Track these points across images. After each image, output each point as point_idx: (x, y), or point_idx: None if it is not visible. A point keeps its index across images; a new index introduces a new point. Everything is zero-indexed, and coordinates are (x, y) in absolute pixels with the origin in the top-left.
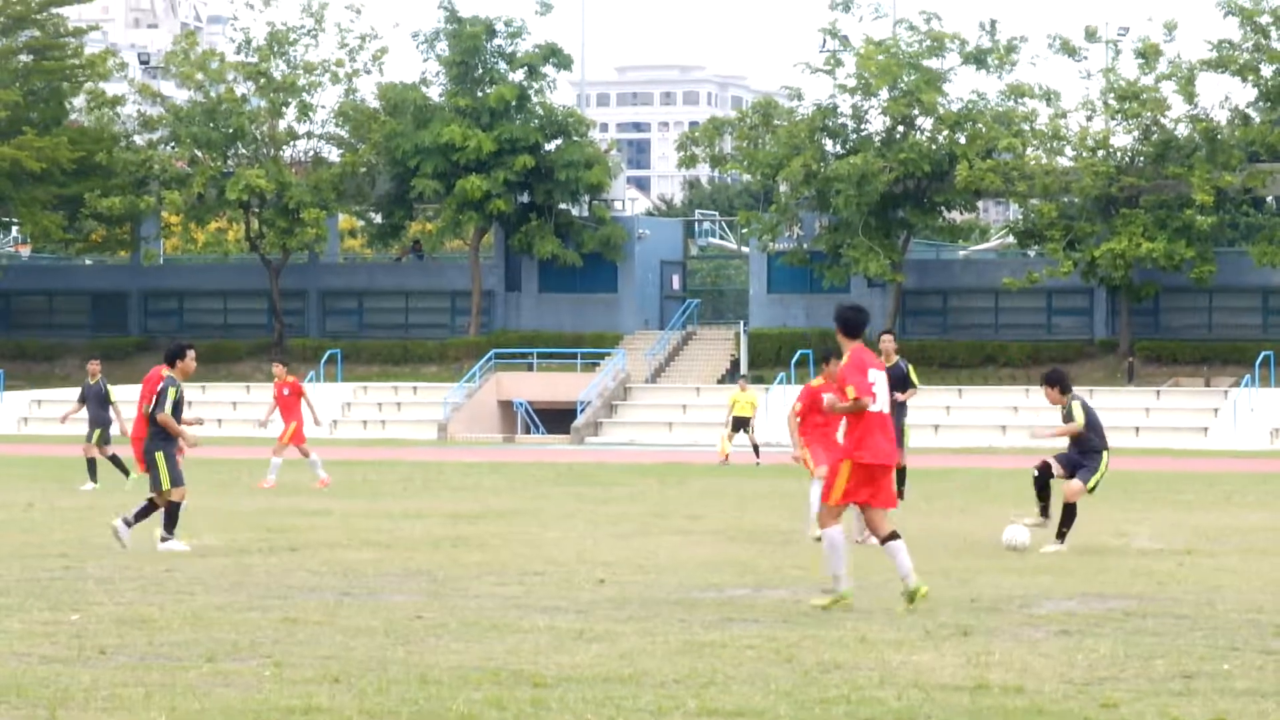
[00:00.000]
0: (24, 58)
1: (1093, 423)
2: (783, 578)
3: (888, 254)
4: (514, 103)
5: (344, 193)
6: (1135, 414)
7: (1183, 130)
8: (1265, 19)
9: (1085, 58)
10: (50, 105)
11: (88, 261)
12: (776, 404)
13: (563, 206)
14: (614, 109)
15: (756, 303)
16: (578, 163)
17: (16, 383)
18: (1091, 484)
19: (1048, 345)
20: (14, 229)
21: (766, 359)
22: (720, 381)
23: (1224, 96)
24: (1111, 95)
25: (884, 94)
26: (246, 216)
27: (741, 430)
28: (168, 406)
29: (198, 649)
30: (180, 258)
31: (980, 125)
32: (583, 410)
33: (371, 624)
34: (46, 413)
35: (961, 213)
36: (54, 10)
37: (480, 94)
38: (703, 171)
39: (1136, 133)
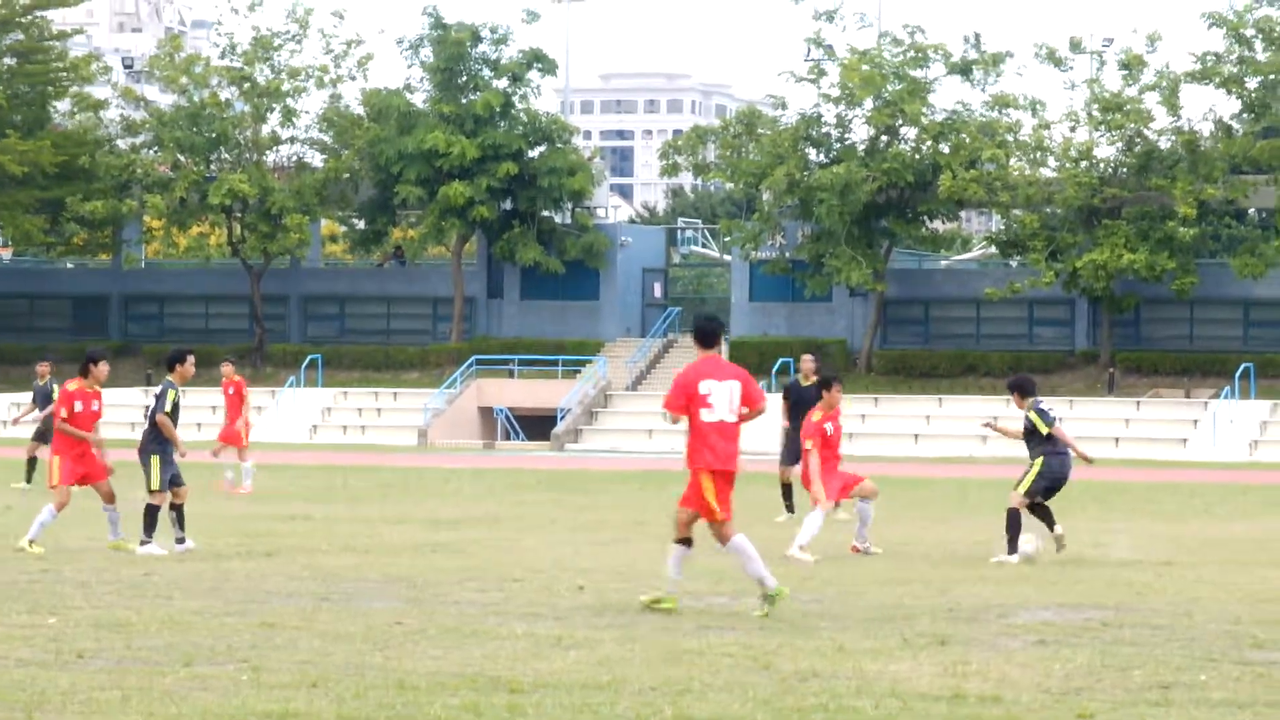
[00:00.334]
0: (8, 61)
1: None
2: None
3: (870, 263)
4: (498, 109)
5: (327, 198)
6: (1115, 425)
7: (1166, 142)
8: (1250, 31)
9: (1070, 68)
10: (34, 109)
11: (69, 265)
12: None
13: (545, 213)
14: (598, 116)
15: (738, 311)
16: (561, 170)
17: None
18: (1020, 487)
19: (1029, 355)
20: None
21: (748, 367)
22: None
23: (1208, 108)
24: (1095, 106)
25: (868, 104)
26: (229, 221)
27: None
28: (167, 407)
29: (175, 653)
30: (162, 262)
31: (964, 135)
32: (563, 417)
33: (350, 629)
34: (28, 417)
35: (944, 222)
36: (39, 14)
37: (465, 100)
38: (686, 180)
39: (1120, 144)
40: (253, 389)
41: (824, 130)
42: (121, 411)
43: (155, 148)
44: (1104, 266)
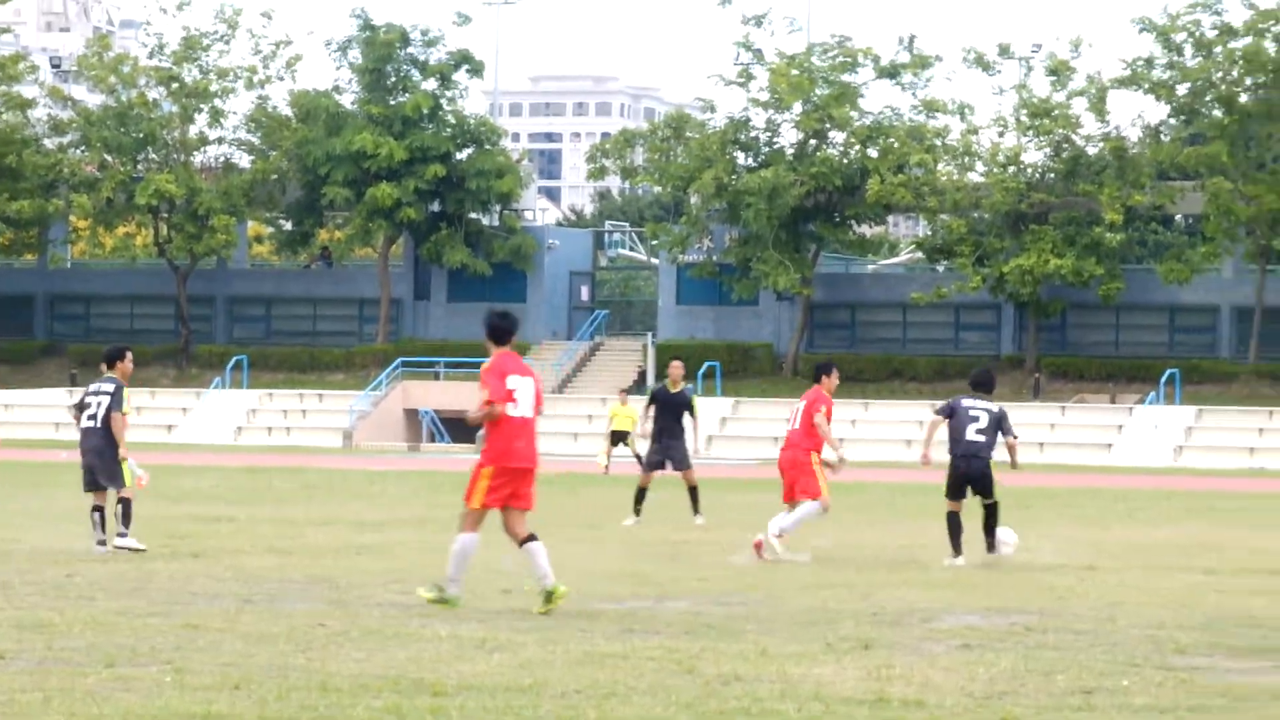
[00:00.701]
0: None
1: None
2: (683, 589)
3: (797, 267)
4: (427, 111)
5: (254, 199)
6: (1040, 429)
7: (1094, 148)
8: (1180, 36)
9: (999, 72)
10: None
11: None
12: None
13: (473, 216)
14: (526, 119)
15: (665, 314)
16: (489, 172)
17: None
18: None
19: (955, 360)
20: None
21: None
22: (625, 392)
23: (1137, 114)
24: (1024, 112)
25: (797, 108)
26: (155, 222)
27: (621, 443)
28: (125, 407)
29: (97, 654)
30: (88, 262)
31: (892, 140)
32: None
33: (273, 631)
34: None
35: (871, 227)
36: None
37: (393, 102)
38: (613, 183)
39: (1047, 149)
40: (178, 390)
41: (752, 134)
42: (45, 412)
43: (82, 147)
44: (1030, 272)
